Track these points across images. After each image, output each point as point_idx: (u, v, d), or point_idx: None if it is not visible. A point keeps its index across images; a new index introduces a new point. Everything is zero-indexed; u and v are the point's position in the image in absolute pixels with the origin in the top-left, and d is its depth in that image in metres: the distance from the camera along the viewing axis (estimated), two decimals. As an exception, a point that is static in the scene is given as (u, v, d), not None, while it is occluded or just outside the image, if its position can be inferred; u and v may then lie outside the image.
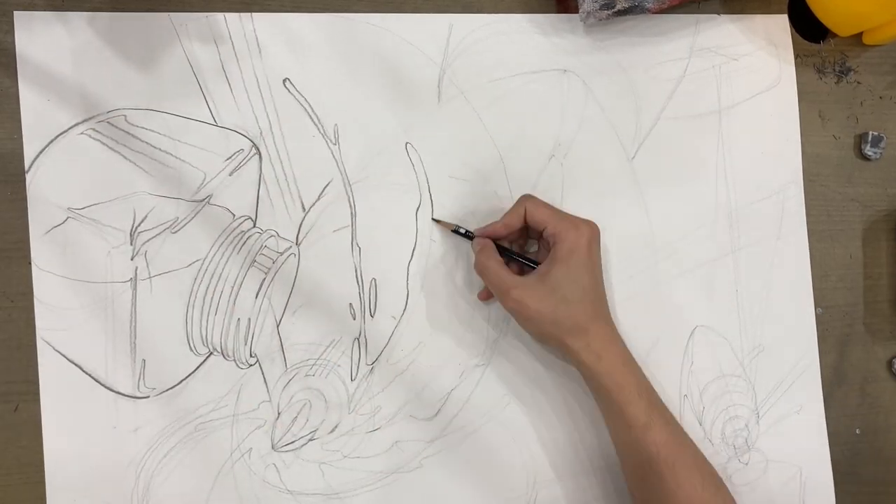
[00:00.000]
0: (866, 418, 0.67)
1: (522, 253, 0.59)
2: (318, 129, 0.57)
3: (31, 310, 0.52)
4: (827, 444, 0.65)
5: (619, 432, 0.55)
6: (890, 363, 0.66)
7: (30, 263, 0.52)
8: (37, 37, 0.53)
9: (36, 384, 0.52)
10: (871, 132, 0.68)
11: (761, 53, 0.66)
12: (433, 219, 0.59)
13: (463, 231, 0.58)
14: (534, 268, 0.56)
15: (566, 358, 0.58)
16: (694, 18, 0.65)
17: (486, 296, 0.59)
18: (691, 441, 0.55)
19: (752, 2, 0.66)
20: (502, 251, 0.57)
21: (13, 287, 0.53)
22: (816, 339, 0.66)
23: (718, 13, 0.65)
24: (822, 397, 0.65)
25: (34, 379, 0.52)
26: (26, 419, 0.52)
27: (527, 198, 0.56)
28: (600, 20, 0.60)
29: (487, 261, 0.54)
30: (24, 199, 0.53)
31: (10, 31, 0.53)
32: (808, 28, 0.66)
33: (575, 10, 0.61)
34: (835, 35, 0.65)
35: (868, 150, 0.67)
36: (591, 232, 0.55)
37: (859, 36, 0.67)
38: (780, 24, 0.67)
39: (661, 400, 0.55)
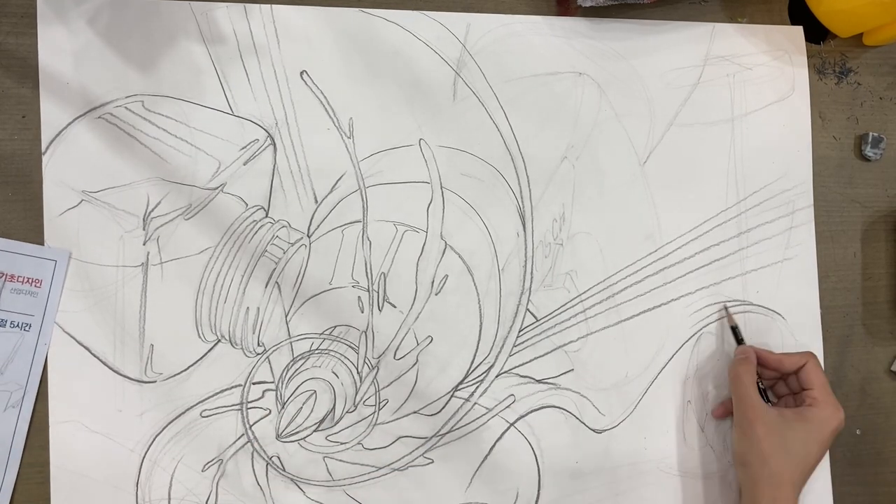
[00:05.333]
0: (866, 419, 0.67)
1: (767, 387, 0.62)
2: (334, 122, 0.58)
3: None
4: (828, 457, 0.65)
5: None
6: (891, 365, 0.66)
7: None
8: (59, 19, 0.53)
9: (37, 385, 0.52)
10: (871, 133, 0.68)
11: (776, 64, 0.66)
12: (725, 306, 0.63)
13: (737, 335, 0.62)
14: (767, 402, 0.59)
15: (741, 482, 0.59)
16: (710, 27, 0.65)
17: (722, 413, 0.62)
18: None
19: (752, 3, 0.67)
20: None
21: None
22: (823, 351, 0.66)
23: (721, 12, 0.66)
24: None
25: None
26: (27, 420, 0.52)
27: (812, 356, 0.60)
28: (598, 4, 0.60)
29: (746, 374, 0.58)
30: (24, 200, 0.52)
31: (11, 32, 0.53)
32: (808, 29, 0.67)
33: (575, 11, 0.61)
34: (835, 36, 0.65)
35: (868, 151, 0.68)
36: (841, 421, 0.57)
37: (859, 37, 0.67)
38: (795, 36, 0.67)
39: None
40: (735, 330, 0.62)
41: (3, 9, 0.53)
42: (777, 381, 0.63)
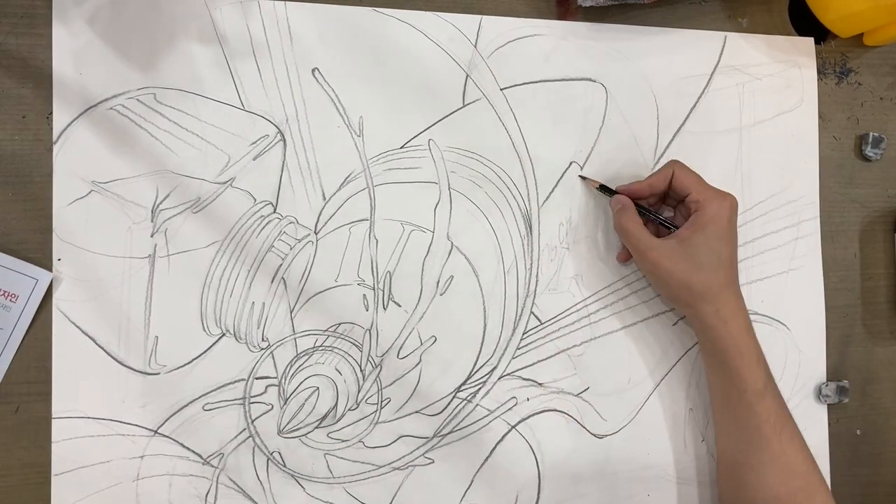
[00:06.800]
0: (866, 419, 0.67)
1: (659, 215, 0.60)
2: (344, 120, 0.58)
3: (32, 311, 0.52)
4: (829, 468, 0.65)
5: (729, 396, 0.56)
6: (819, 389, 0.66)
7: (32, 265, 0.52)
8: (73, 9, 0.54)
9: (37, 385, 0.52)
10: (871, 133, 0.68)
11: (785, 75, 0.67)
12: (580, 175, 0.61)
13: (606, 189, 0.60)
14: (669, 229, 0.58)
15: (688, 320, 0.60)
16: (721, 36, 0.65)
17: (625, 257, 0.61)
18: (792, 416, 0.57)
19: (752, 3, 0.67)
20: (640, 212, 0.58)
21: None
22: (825, 361, 0.66)
23: (721, 12, 0.66)
24: (826, 421, 0.65)
25: (35, 380, 0.52)
26: (27, 420, 0.52)
27: (675, 162, 0.58)
28: (598, 4, 0.60)
29: (628, 221, 0.57)
30: (25, 200, 0.52)
31: (11, 32, 0.53)
32: (808, 29, 0.67)
33: (576, 12, 0.62)
34: (835, 36, 0.65)
35: (868, 151, 0.68)
36: (732, 204, 0.56)
37: (859, 37, 0.67)
38: (806, 47, 0.67)
39: (771, 371, 0.57)
40: (603, 188, 0.60)
41: (3, 9, 0.53)
42: (661, 206, 0.62)
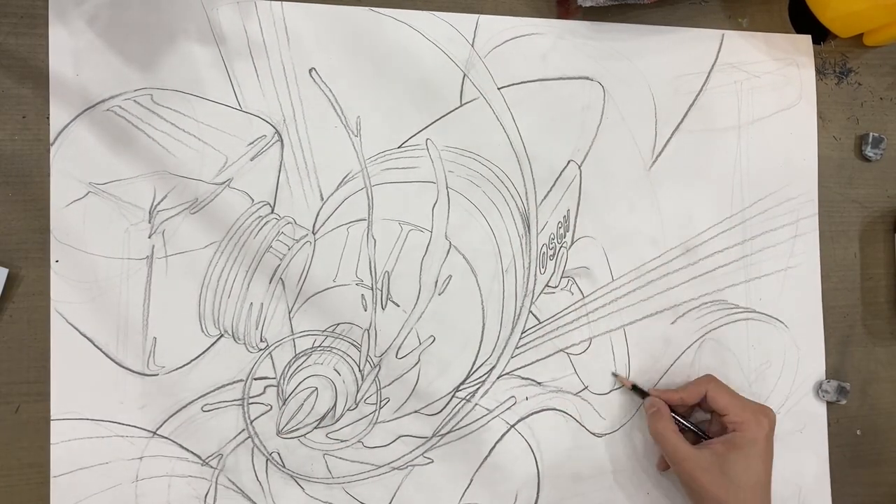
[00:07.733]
0: (866, 419, 0.67)
1: (691, 421, 0.60)
2: (341, 120, 0.58)
3: (32, 311, 0.52)
4: (827, 465, 0.65)
5: None
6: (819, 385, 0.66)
7: (31, 265, 0.52)
8: (69, 11, 0.54)
9: (37, 385, 0.52)
10: (871, 133, 0.68)
11: (784, 73, 0.67)
12: (613, 373, 0.61)
13: (639, 390, 0.60)
14: (700, 436, 0.58)
15: None
16: (719, 34, 0.65)
17: (664, 465, 0.61)
18: None
19: (753, 3, 0.67)
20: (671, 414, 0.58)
21: (14, 288, 0.52)
22: (825, 358, 0.66)
23: (721, 13, 0.66)
24: (826, 418, 0.65)
25: (35, 380, 0.52)
26: (27, 420, 0.52)
27: (709, 379, 0.59)
28: (598, 4, 0.60)
29: (664, 428, 0.57)
30: (25, 200, 0.52)
31: (11, 32, 0.53)
32: (808, 29, 0.67)
33: (576, 12, 0.62)
34: (835, 36, 0.65)
35: (868, 152, 0.68)
36: (770, 424, 0.56)
37: (859, 37, 0.67)
38: (804, 45, 0.67)
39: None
40: (635, 388, 0.61)
41: (3, 9, 0.53)
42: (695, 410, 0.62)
